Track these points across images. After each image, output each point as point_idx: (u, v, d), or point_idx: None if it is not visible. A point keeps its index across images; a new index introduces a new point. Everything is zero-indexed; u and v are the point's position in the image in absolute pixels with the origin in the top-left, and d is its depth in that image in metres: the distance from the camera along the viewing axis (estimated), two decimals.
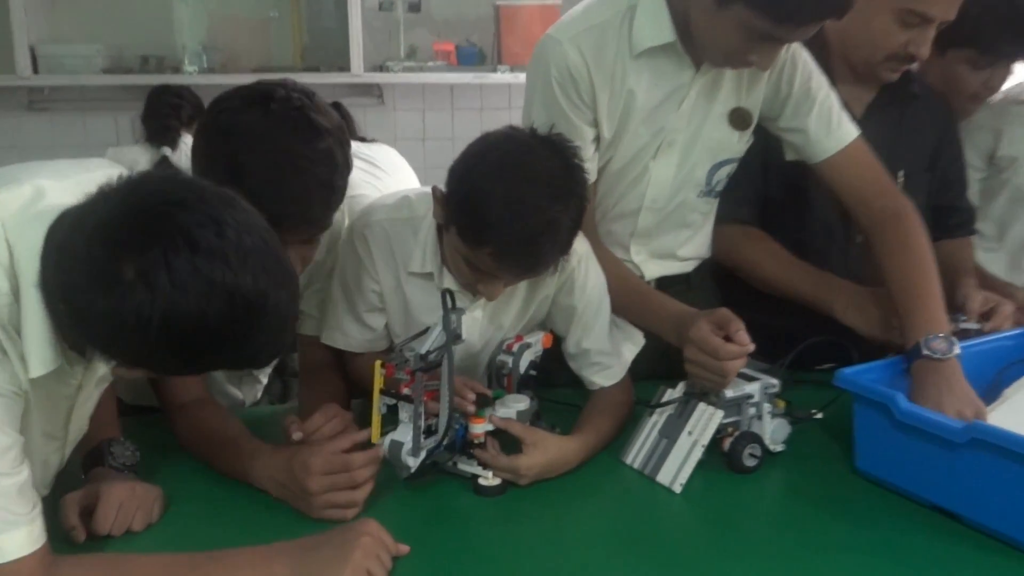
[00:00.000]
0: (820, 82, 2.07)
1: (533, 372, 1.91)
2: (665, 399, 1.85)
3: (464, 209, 1.69)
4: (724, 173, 2.11)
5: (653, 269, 2.22)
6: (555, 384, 2.10)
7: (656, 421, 1.85)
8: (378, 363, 1.65)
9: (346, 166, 1.71)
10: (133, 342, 1.25)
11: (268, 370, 2.35)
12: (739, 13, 1.69)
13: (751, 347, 1.73)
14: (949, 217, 2.39)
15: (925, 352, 1.79)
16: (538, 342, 1.93)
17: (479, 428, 1.77)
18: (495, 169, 1.66)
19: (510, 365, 1.89)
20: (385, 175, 2.26)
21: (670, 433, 1.81)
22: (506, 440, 1.79)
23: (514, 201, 1.62)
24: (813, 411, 1.94)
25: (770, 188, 2.19)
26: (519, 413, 1.81)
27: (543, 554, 1.58)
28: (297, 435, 1.68)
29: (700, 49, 1.85)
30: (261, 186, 1.53)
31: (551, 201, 1.63)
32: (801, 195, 2.20)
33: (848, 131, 2.05)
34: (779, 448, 1.87)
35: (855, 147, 2.07)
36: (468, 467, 1.76)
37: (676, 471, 1.78)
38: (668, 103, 1.99)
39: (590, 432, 1.90)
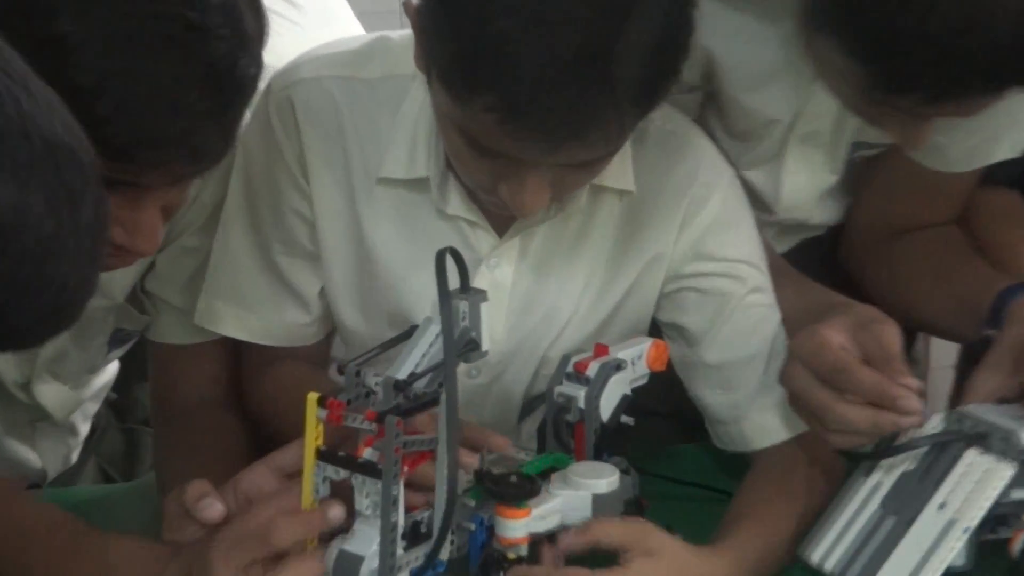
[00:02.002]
0: None
1: (629, 420, 1.29)
2: (900, 442, 1.32)
3: (443, 30, 1.17)
4: None
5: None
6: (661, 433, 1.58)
7: (878, 484, 1.31)
8: (312, 397, 1.08)
9: (259, 36, 1.17)
10: None
11: (89, 408, 1.76)
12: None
13: (913, 382, 1.23)
14: None
15: None
16: (640, 358, 1.32)
17: (517, 530, 1.15)
18: None
19: (582, 404, 1.27)
20: (309, 18, 1.72)
21: (904, 506, 1.28)
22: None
23: (528, 7, 1.12)
24: None
25: None
26: (597, 499, 1.19)
27: None
28: (214, 511, 1.14)
29: None
30: (97, 85, 1.06)
31: (596, 10, 1.12)
32: None
33: None
34: None
35: None
36: None
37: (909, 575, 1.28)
38: None
39: (752, 538, 1.30)
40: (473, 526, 1.15)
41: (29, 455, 1.67)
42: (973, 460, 1.26)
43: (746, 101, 1.55)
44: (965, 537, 1.22)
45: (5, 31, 0.99)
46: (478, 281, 1.32)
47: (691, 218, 1.39)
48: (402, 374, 1.11)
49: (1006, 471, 1.23)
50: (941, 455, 1.28)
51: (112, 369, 1.64)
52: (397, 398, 1.09)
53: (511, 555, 1.17)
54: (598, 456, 1.27)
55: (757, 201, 1.61)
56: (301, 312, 1.44)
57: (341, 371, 1.16)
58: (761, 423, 1.41)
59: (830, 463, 1.42)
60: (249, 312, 1.46)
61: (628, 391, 1.29)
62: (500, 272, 1.38)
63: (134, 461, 1.90)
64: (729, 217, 1.42)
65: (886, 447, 1.33)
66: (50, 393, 1.57)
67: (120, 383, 1.76)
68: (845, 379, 1.26)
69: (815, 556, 1.30)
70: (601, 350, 1.29)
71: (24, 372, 1.49)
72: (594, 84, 1.11)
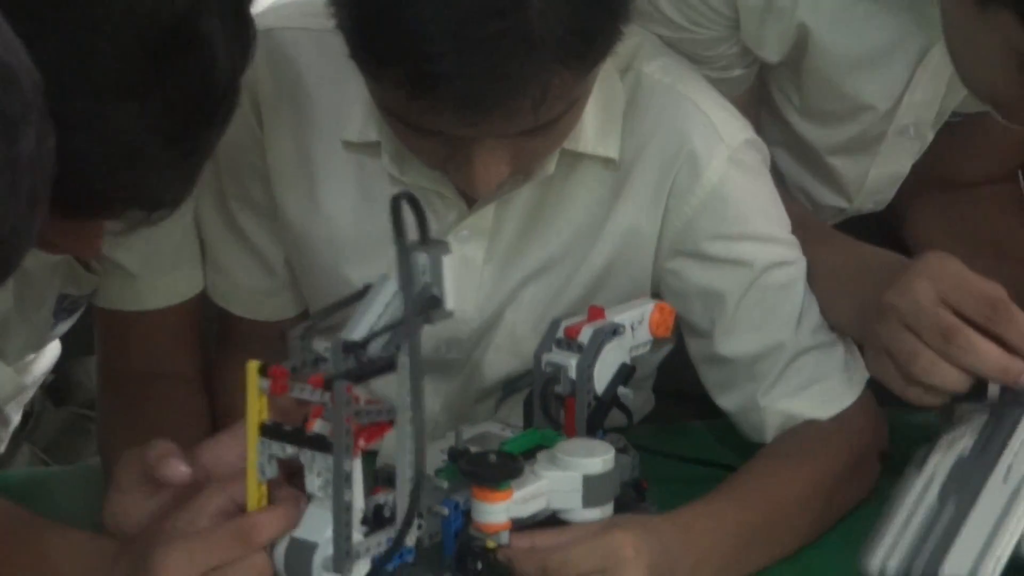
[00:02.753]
0: None
1: (626, 391, 1.16)
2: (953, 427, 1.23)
3: None
4: None
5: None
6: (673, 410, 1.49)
7: (932, 475, 1.19)
8: (253, 365, 0.97)
9: (241, 60, 1.07)
10: None
11: (24, 395, 1.64)
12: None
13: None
14: None
15: None
16: (642, 323, 1.20)
17: (497, 515, 1.05)
18: None
19: (572, 373, 1.16)
20: None
21: (963, 488, 1.17)
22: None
23: None
24: None
25: None
26: (588, 481, 1.09)
27: None
28: (177, 471, 1.06)
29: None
30: None
31: None
32: None
33: None
34: None
35: None
36: None
37: (976, 559, 1.13)
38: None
39: (744, 497, 1.20)
40: (447, 511, 1.05)
41: None
42: None
43: (841, 83, 1.46)
44: None
45: None
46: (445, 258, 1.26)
47: (682, 193, 1.29)
48: (356, 336, 1.00)
49: None
50: (997, 428, 1.18)
51: (53, 351, 1.56)
52: (348, 361, 0.98)
53: (491, 543, 1.07)
54: (591, 433, 1.16)
55: (835, 186, 1.56)
56: (265, 277, 1.38)
57: (288, 337, 1.03)
58: (785, 410, 1.30)
59: (867, 440, 1.31)
60: (216, 273, 1.40)
61: (627, 359, 1.18)
62: (471, 247, 1.29)
63: (75, 449, 1.80)
64: (730, 191, 1.29)
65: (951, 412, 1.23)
66: None
67: (57, 362, 1.66)
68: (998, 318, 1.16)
69: (873, 566, 1.16)
70: (596, 313, 1.18)
71: None
72: (509, 44, 1.04)
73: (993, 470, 1.16)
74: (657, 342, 1.24)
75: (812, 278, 1.34)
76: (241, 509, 1.03)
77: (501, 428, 1.20)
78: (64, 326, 1.46)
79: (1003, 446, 1.17)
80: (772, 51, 1.42)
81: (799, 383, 1.29)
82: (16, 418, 1.64)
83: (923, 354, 1.14)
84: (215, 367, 1.43)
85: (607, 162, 1.26)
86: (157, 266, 1.39)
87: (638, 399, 1.33)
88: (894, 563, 1.14)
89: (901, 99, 1.44)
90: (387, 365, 0.98)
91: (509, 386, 1.26)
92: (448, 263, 1.03)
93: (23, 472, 1.67)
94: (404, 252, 1.00)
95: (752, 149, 1.31)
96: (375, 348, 1.00)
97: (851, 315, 1.30)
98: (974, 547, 1.13)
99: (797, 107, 1.50)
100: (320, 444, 0.96)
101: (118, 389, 1.41)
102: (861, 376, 1.32)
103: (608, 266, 1.31)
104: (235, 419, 1.12)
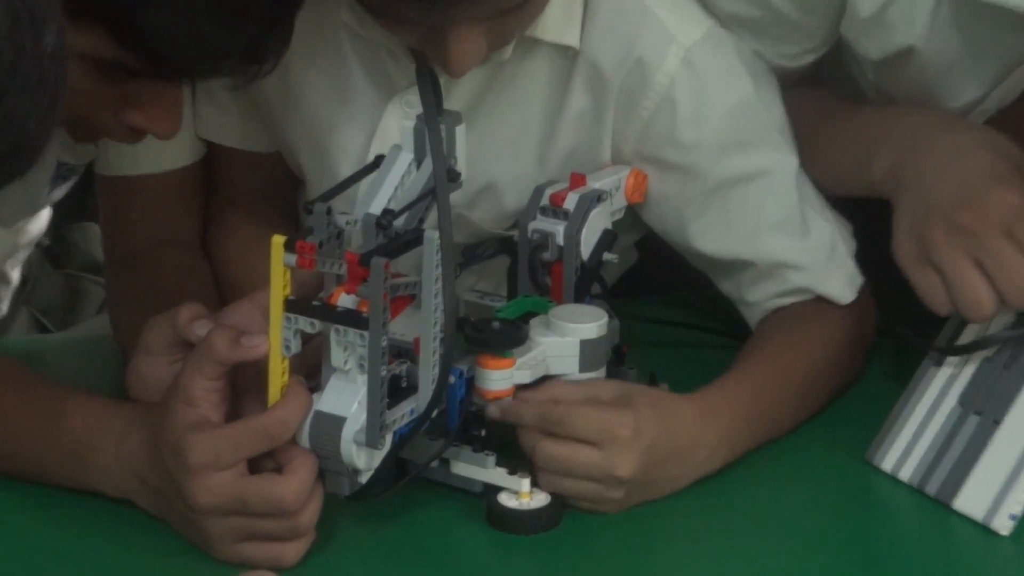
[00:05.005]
0: None
1: (611, 256, 1.18)
2: (973, 335, 1.17)
3: None
4: None
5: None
6: (649, 287, 1.47)
7: (952, 377, 1.17)
8: (279, 241, 0.97)
9: None
10: None
11: (18, 255, 1.60)
12: None
13: None
14: None
15: None
16: (618, 190, 1.21)
17: (501, 382, 1.06)
18: None
19: (559, 238, 1.17)
20: None
21: (988, 404, 1.13)
22: None
23: None
24: None
25: None
26: (585, 346, 1.11)
27: None
28: (198, 327, 1.06)
29: None
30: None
31: None
32: None
33: None
34: None
35: None
36: (477, 470, 1.11)
37: (1000, 491, 1.10)
38: None
39: (756, 379, 1.19)
40: (452, 379, 1.05)
41: None
42: None
43: (931, 82, 1.37)
44: None
45: None
46: (387, 119, 1.25)
47: (635, 99, 1.26)
48: (375, 209, 1.03)
49: None
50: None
51: (46, 214, 1.54)
52: (378, 236, 1.01)
53: (492, 409, 1.12)
54: (579, 299, 1.19)
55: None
56: (254, 113, 1.38)
57: (309, 210, 1.04)
58: (773, 307, 1.29)
59: (857, 326, 1.31)
60: (207, 104, 1.35)
61: (609, 225, 1.21)
62: (408, 122, 1.28)
63: (74, 311, 1.76)
64: (681, 95, 1.25)
65: (956, 341, 1.21)
66: None
67: (53, 227, 1.66)
68: None
69: (887, 463, 1.20)
70: (578, 180, 1.20)
71: None
72: None
73: (1019, 393, 1.15)
74: (631, 209, 1.26)
75: (834, 146, 1.31)
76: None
77: (479, 296, 1.23)
78: (59, 192, 1.44)
79: None
80: (871, 51, 1.35)
81: (784, 288, 1.28)
82: (15, 276, 1.64)
83: (979, 293, 1.12)
84: (212, 223, 1.41)
85: (566, 50, 1.25)
86: None
87: (622, 257, 1.34)
88: (910, 468, 1.17)
89: (988, 94, 1.40)
90: (415, 239, 1.00)
91: (468, 253, 1.24)
92: (461, 133, 1.07)
93: (23, 340, 1.66)
94: (435, 125, 1.02)
95: (711, 45, 1.28)
96: (406, 222, 1.03)
97: (880, 175, 1.24)
98: (1000, 473, 1.13)
99: (869, 82, 1.43)
100: (353, 319, 0.97)
101: (125, 260, 1.40)
102: (855, 279, 1.30)
103: (572, 151, 1.29)
104: (245, 284, 1.20)
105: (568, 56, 1.25)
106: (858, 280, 1.29)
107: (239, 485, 1.02)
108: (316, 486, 1.05)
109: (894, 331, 1.31)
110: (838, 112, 1.37)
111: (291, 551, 1.05)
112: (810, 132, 1.33)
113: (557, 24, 1.23)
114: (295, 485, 1.02)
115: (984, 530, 1.11)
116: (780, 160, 1.29)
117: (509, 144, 1.31)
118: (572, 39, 1.23)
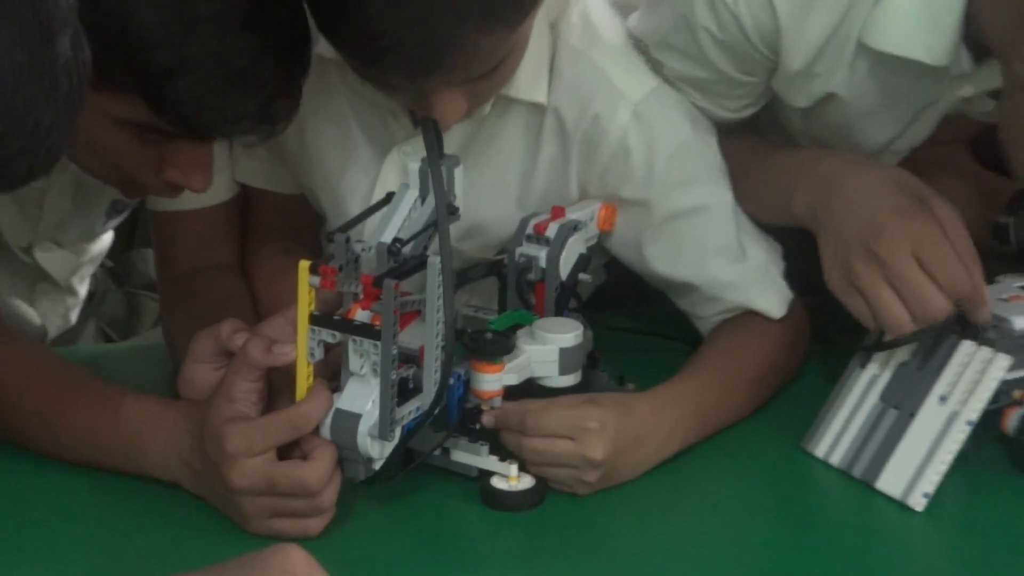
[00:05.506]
0: None
1: (586, 276, 1.30)
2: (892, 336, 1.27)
3: None
4: None
5: None
6: (622, 301, 1.57)
7: (875, 377, 1.28)
8: (304, 266, 1.08)
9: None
10: None
11: (82, 271, 1.74)
12: None
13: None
14: None
15: None
16: (592, 220, 1.34)
17: (492, 384, 1.18)
18: None
19: (542, 262, 1.28)
20: None
21: (904, 399, 1.24)
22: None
23: None
24: None
25: None
26: (564, 353, 1.21)
27: None
28: (238, 339, 1.17)
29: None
30: (175, 68, 1.05)
31: None
32: None
33: None
34: None
35: None
36: (472, 458, 1.21)
37: (915, 473, 1.20)
38: None
39: (701, 380, 1.31)
40: (452, 381, 1.14)
41: (29, 312, 1.66)
42: (969, 351, 1.23)
43: (850, 126, 1.47)
44: (969, 430, 1.20)
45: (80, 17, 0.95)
46: (388, 165, 1.35)
47: (591, 151, 1.36)
48: (386, 238, 1.12)
49: (1003, 362, 1.21)
50: (936, 346, 1.26)
51: (107, 237, 1.63)
52: (389, 261, 1.11)
53: (486, 407, 1.21)
54: (559, 313, 1.28)
55: None
56: (281, 160, 1.45)
57: (330, 239, 1.15)
58: (720, 321, 1.40)
59: (794, 332, 1.41)
60: (243, 157, 1.45)
61: (584, 250, 1.30)
62: (414, 164, 1.29)
63: (133, 323, 1.88)
64: (633, 143, 1.35)
65: (881, 340, 1.30)
66: (51, 257, 1.58)
67: (116, 251, 1.75)
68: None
69: (820, 449, 1.29)
70: (558, 212, 1.30)
71: (27, 237, 1.48)
72: (438, 19, 1.11)
73: (932, 389, 1.23)
74: (603, 236, 1.36)
75: (762, 183, 1.39)
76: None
77: (474, 311, 1.32)
78: (114, 222, 1.55)
79: (941, 368, 1.23)
80: (798, 101, 1.43)
81: (727, 307, 1.38)
82: (82, 291, 1.73)
83: (897, 313, 1.19)
84: (248, 250, 1.50)
85: (536, 106, 1.33)
86: None
87: (594, 276, 1.42)
88: (839, 454, 1.27)
89: (903, 134, 1.47)
90: (420, 264, 1.09)
91: (462, 276, 1.32)
92: (458, 174, 1.16)
93: (90, 347, 1.74)
94: (436, 165, 1.12)
95: (657, 100, 1.36)
96: (412, 248, 1.12)
97: (800, 210, 1.31)
98: (913, 460, 1.22)
99: (798, 128, 1.50)
100: (367, 331, 1.07)
101: (174, 282, 1.49)
102: (786, 296, 1.39)
103: (545, 191, 1.38)
104: (276, 303, 1.29)
105: (538, 111, 1.34)
106: (789, 297, 1.37)
107: (270, 469, 1.10)
108: (335, 471, 1.13)
109: (827, 337, 1.41)
110: (766, 154, 1.44)
111: (314, 525, 1.13)
112: (743, 171, 1.41)
113: (527, 84, 1.32)
114: (318, 470, 1.10)
115: (901, 506, 1.18)
116: (719, 195, 1.37)
117: (492, 187, 1.39)
118: (540, 97, 1.33)
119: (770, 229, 1.47)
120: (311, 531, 1.13)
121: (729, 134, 1.44)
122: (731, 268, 1.37)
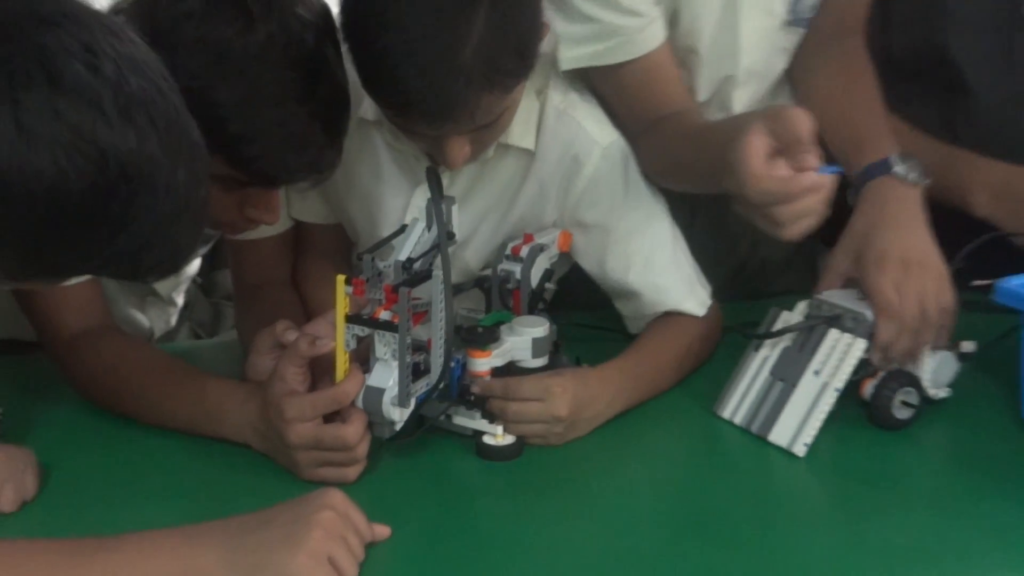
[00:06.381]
0: None
1: (550, 285, 1.45)
2: (779, 326, 1.37)
3: (348, 45, 1.30)
4: None
5: None
6: (577, 304, 1.62)
7: (766, 357, 1.39)
8: (341, 279, 1.20)
9: (343, 77, 1.29)
10: None
11: (180, 286, 1.85)
12: None
13: (819, 177, 1.17)
14: None
15: (896, 169, 1.35)
16: (553, 243, 1.46)
17: (484, 364, 1.29)
18: None
19: (518, 276, 1.41)
20: None
21: (788, 373, 1.36)
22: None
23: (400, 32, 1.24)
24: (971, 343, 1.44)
25: None
26: (536, 342, 1.33)
27: (574, 538, 1.18)
28: (291, 336, 1.29)
29: None
30: (246, 134, 1.20)
31: (436, 17, 1.23)
32: None
33: None
34: (942, 394, 1.38)
35: None
36: (469, 421, 1.31)
37: (797, 428, 1.31)
38: None
39: (637, 359, 1.43)
40: (453, 363, 1.26)
41: (140, 318, 1.80)
42: (835, 337, 1.33)
43: None
44: (837, 395, 1.30)
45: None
46: (415, 199, 1.47)
47: (569, 183, 1.47)
48: (402, 257, 1.24)
49: (861, 344, 1.31)
50: (811, 333, 1.35)
51: (197, 261, 1.76)
52: (403, 275, 1.23)
53: (479, 384, 1.31)
54: (530, 312, 1.41)
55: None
56: (325, 201, 1.57)
57: (360, 258, 1.28)
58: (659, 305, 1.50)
59: (710, 327, 1.53)
60: (296, 199, 1.57)
61: (548, 266, 1.43)
62: (421, 202, 1.40)
63: (216, 326, 2.02)
64: (601, 177, 1.47)
65: (768, 330, 1.40)
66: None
67: (203, 271, 1.91)
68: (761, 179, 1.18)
69: (726, 412, 1.38)
70: (528, 238, 1.43)
71: None
72: (452, 81, 1.23)
73: (808, 366, 1.33)
74: (561, 256, 1.48)
75: (690, 165, 1.43)
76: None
77: (467, 311, 1.42)
78: (203, 250, 1.68)
79: (815, 350, 1.33)
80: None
81: (660, 309, 1.49)
82: (179, 301, 1.87)
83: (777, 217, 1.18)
84: (298, 267, 1.62)
85: (526, 152, 1.45)
86: None
87: (557, 285, 1.54)
88: (740, 415, 1.36)
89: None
90: (427, 276, 1.23)
91: (457, 288, 1.43)
92: (455, 210, 1.28)
93: (185, 343, 1.88)
94: (438, 204, 1.24)
95: (618, 147, 1.48)
96: (420, 264, 1.25)
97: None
98: (796, 418, 1.32)
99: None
100: (389, 327, 1.20)
101: (244, 293, 1.62)
102: (705, 300, 1.50)
103: (523, 218, 1.50)
104: (320, 307, 1.38)
105: (528, 155, 1.45)
106: (708, 301, 1.49)
107: (318, 430, 1.20)
108: (367, 432, 1.23)
109: (734, 329, 1.51)
110: (692, 136, 1.46)
111: (352, 472, 1.23)
112: (675, 159, 1.47)
113: (521, 134, 1.44)
114: (354, 430, 1.20)
115: (788, 453, 1.30)
116: (661, 218, 1.49)
117: (490, 211, 1.50)
118: (530, 144, 1.44)
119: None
120: (349, 478, 1.23)
121: (660, 124, 1.47)
122: (669, 277, 1.48)
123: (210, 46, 1.17)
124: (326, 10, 1.27)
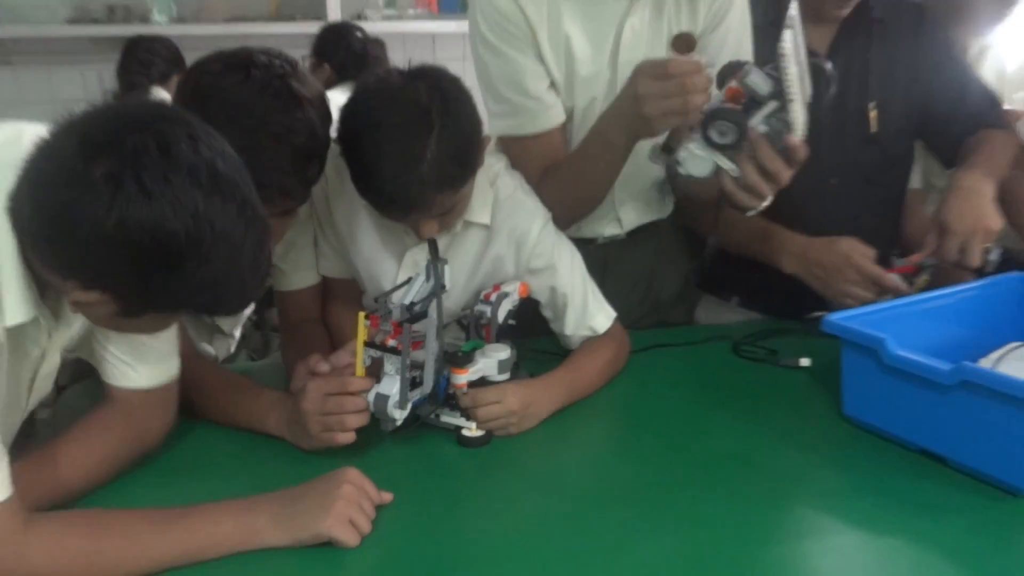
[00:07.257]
0: (736, 28, 1.77)
1: (512, 321, 1.67)
2: None
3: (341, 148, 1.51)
4: None
5: (632, 217, 1.96)
6: (535, 333, 1.84)
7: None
8: (362, 315, 1.41)
9: (326, 137, 1.51)
10: (88, 245, 1.09)
11: (239, 324, 2.10)
12: None
13: (700, 60, 1.44)
14: (952, 124, 1.98)
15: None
16: (515, 291, 1.68)
17: (462, 378, 1.54)
18: (349, 112, 1.53)
19: (488, 315, 1.63)
20: None
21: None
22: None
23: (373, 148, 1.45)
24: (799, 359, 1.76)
25: None
26: (500, 363, 1.58)
27: (528, 502, 1.39)
28: (323, 367, 1.48)
29: None
30: (236, 153, 1.28)
31: (406, 135, 1.45)
32: None
33: None
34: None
35: None
36: (451, 419, 1.54)
37: None
38: (606, 40, 1.71)
39: (567, 370, 1.66)
40: (440, 377, 1.48)
41: (209, 349, 2.03)
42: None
43: None
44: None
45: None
46: (405, 262, 1.66)
47: (520, 247, 1.66)
48: (406, 301, 1.43)
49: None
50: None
51: (252, 305, 1.94)
52: (406, 313, 1.42)
53: (460, 393, 1.55)
54: (497, 340, 1.62)
55: None
56: (344, 262, 1.76)
57: (376, 300, 1.47)
58: (582, 338, 1.71)
59: (618, 344, 1.75)
60: (323, 260, 1.77)
61: (512, 308, 1.65)
62: (420, 259, 1.65)
63: (266, 352, 2.21)
64: (542, 239, 1.67)
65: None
66: (226, 320, 2.01)
67: (257, 310, 2.21)
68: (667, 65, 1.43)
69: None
70: (496, 288, 1.64)
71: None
72: (416, 187, 1.44)
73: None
74: (521, 300, 1.68)
75: (570, 181, 1.68)
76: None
77: (453, 339, 1.63)
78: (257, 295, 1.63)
79: None
80: (557, 66, 1.70)
81: (584, 332, 1.73)
82: (238, 334, 2.09)
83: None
84: (326, 310, 1.82)
85: (484, 226, 1.64)
86: (296, 266, 1.79)
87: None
88: None
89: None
90: (424, 315, 1.42)
91: (445, 324, 1.54)
92: (447, 269, 1.46)
93: (242, 364, 2.10)
94: (435, 265, 1.44)
95: (550, 218, 1.70)
96: (419, 307, 1.44)
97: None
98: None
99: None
100: (395, 351, 1.41)
101: (287, 328, 1.81)
102: (611, 319, 1.73)
103: (488, 274, 1.69)
104: (344, 340, 1.54)
105: (486, 228, 1.63)
106: (612, 321, 1.71)
107: (324, 396, 1.40)
108: (364, 402, 1.40)
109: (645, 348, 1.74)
110: (568, 159, 1.69)
111: (351, 421, 1.40)
112: (574, 162, 1.69)
113: (480, 212, 1.63)
114: (355, 381, 1.41)
115: (675, 446, 1.52)
116: (578, 261, 1.73)
117: (461, 272, 1.69)
118: (487, 220, 1.63)
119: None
120: (350, 423, 1.39)
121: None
122: (584, 307, 1.72)
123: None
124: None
